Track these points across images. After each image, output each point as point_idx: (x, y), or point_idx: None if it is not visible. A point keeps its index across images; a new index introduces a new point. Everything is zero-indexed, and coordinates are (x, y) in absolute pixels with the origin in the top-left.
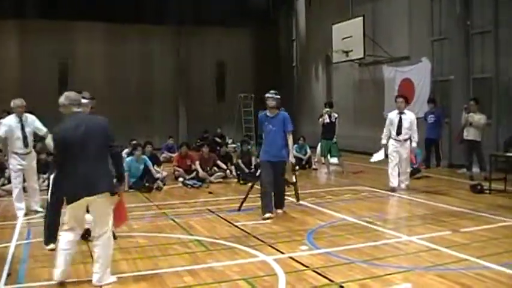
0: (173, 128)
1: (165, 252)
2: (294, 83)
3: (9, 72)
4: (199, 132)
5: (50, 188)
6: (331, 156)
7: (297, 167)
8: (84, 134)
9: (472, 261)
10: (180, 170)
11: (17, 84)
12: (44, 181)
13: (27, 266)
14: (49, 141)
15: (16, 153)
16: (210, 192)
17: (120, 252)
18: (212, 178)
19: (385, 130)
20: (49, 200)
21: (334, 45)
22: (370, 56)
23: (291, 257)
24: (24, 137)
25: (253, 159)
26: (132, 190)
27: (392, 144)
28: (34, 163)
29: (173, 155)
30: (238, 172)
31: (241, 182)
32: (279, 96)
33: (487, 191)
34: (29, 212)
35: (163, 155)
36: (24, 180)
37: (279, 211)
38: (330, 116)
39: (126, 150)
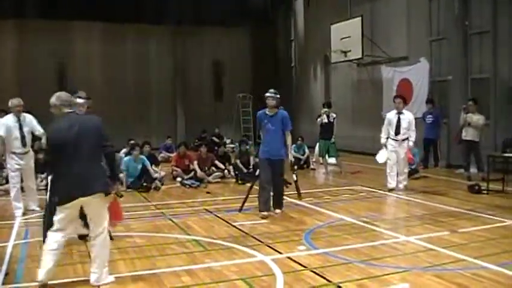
0: (171, 128)
1: (163, 252)
2: (292, 83)
3: (7, 71)
4: (198, 132)
5: (49, 188)
6: (329, 156)
7: (296, 167)
8: (77, 134)
9: (470, 261)
10: (178, 170)
11: (15, 84)
12: (42, 180)
13: (25, 266)
14: (44, 141)
15: (14, 153)
16: (208, 192)
17: (118, 252)
18: (210, 178)
19: (383, 130)
20: (48, 200)
21: (332, 45)
22: (368, 56)
23: (288, 257)
24: (22, 137)
25: (251, 159)
26: (130, 190)
27: (390, 144)
28: (32, 163)
29: (171, 154)
30: (237, 172)
31: (240, 182)
32: (278, 96)
33: (485, 192)
34: (26, 211)
35: (162, 155)
36: (22, 180)
37: (278, 211)
38: (328, 116)
39: (124, 150)
